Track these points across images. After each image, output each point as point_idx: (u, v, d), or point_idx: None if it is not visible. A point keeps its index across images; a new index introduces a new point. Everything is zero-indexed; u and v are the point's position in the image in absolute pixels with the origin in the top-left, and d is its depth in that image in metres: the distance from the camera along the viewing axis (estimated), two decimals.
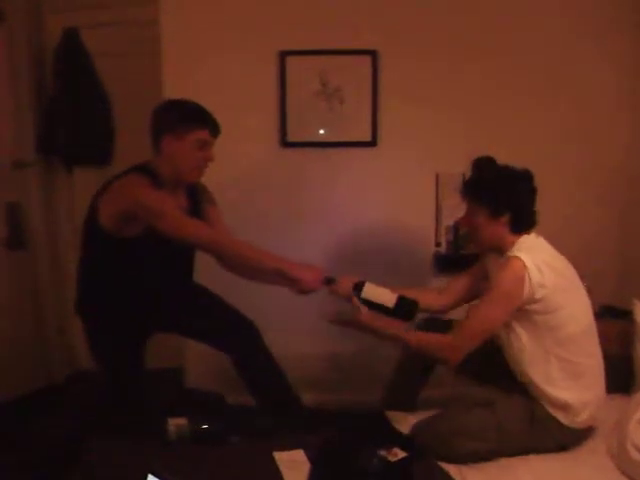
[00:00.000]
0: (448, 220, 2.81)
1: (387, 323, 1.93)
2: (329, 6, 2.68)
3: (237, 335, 2.18)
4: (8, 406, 2.77)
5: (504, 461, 1.78)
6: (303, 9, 2.67)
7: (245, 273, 2.17)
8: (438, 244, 2.86)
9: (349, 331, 2.77)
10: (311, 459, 1.70)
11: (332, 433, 1.78)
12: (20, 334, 3.01)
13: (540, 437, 1.81)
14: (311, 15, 2.67)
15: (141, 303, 2.07)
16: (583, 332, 1.84)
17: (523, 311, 1.78)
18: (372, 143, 2.76)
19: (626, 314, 2.37)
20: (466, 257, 2.70)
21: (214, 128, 2.04)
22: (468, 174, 2.74)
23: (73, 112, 3.02)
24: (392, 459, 1.66)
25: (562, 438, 1.83)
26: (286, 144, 2.74)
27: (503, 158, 1.92)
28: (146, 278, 2.06)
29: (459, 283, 2.13)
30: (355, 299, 1.95)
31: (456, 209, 2.73)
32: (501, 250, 1.86)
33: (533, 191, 1.87)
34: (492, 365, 1.95)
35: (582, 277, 1.91)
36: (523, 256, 1.75)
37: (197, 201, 2.18)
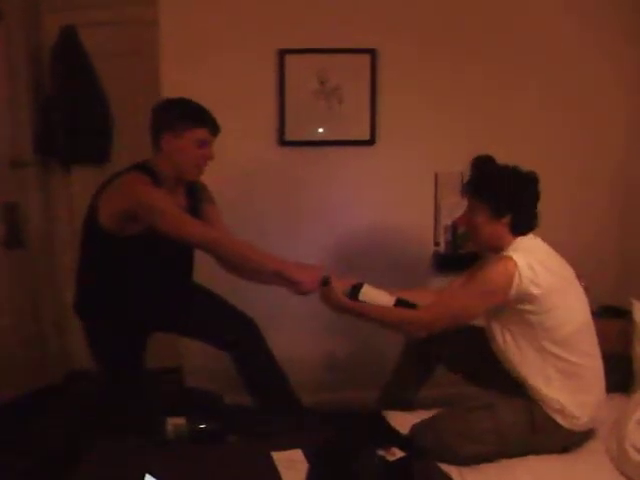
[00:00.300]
0: (447, 219, 2.81)
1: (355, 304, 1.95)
2: (328, 4, 2.67)
3: (237, 333, 2.19)
4: (6, 406, 2.77)
5: (504, 462, 1.77)
6: (302, 8, 2.66)
7: (244, 273, 2.16)
8: (437, 243, 2.86)
9: (347, 330, 2.80)
10: (309, 459, 1.69)
11: (330, 433, 1.78)
12: (18, 334, 3.00)
13: (540, 441, 1.81)
14: (310, 13, 2.67)
15: (140, 302, 2.07)
16: (580, 332, 1.82)
17: (517, 311, 1.77)
18: (371, 142, 2.76)
19: (625, 314, 2.37)
20: (465, 256, 2.71)
21: (214, 127, 2.04)
22: (467, 173, 2.75)
23: (71, 111, 3.01)
24: (391, 459, 1.66)
25: (563, 441, 1.82)
26: (284, 143, 2.73)
27: (502, 157, 1.91)
28: (145, 277, 2.06)
29: (457, 285, 2.12)
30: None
31: (455, 208, 2.75)
32: (498, 250, 1.85)
33: (537, 194, 1.85)
34: (489, 365, 1.94)
35: (580, 277, 1.91)
36: (516, 256, 1.75)
37: (196, 200, 2.18)
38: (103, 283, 2.07)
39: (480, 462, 1.77)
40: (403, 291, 2.02)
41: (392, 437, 1.79)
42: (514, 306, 1.77)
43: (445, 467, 1.72)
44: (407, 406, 2.11)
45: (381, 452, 1.67)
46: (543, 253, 1.84)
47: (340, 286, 1.99)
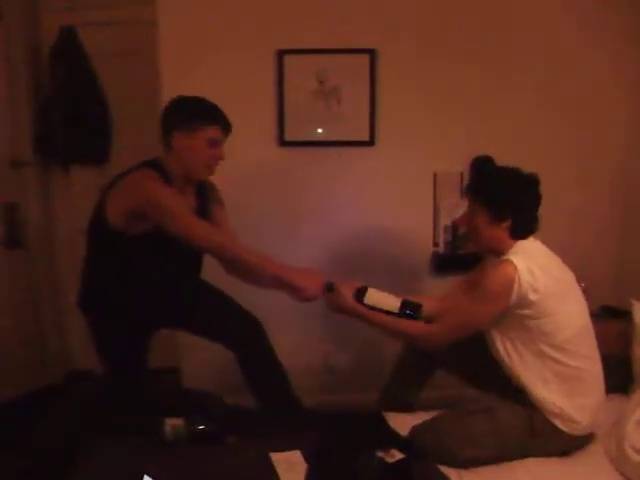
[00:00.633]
0: (446, 220, 2.81)
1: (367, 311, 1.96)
2: (327, 5, 2.67)
3: (241, 332, 2.19)
4: (6, 406, 2.77)
5: (503, 465, 1.77)
6: (301, 8, 2.66)
7: (246, 277, 2.15)
8: (436, 244, 2.85)
9: (347, 332, 2.80)
10: (308, 460, 1.69)
11: (329, 434, 1.77)
12: (18, 334, 3.00)
13: (540, 445, 1.80)
14: (309, 14, 2.67)
15: (146, 301, 2.06)
16: (579, 336, 1.82)
17: (515, 316, 1.77)
18: (370, 142, 2.76)
19: (625, 315, 2.37)
20: (464, 257, 2.71)
21: (225, 126, 2.02)
22: (466, 174, 2.76)
23: (70, 111, 3.01)
24: (390, 460, 1.65)
25: (562, 446, 1.82)
26: (283, 143, 2.73)
27: (501, 158, 1.92)
28: (152, 276, 2.04)
29: (459, 289, 2.11)
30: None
31: (454, 209, 2.75)
32: (499, 253, 1.85)
33: (538, 198, 1.85)
34: (489, 368, 1.94)
35: (579, 278, 1.90)
36: (516, 260, 1.74)
37: (205, 199, 2.16)
38: (109, 281, 2.05)
39: (479, 465, 1.76)
40: (404, 296, 2.02)
41: (391, 439, 1.79)
42: (513, 311, 1.76)
43: (444, 469, 1.72)
44: (407, 407, 2.11)
45: (380, 454, 1.67)
46: (544, 257, 1.83)
47: (347, 291, 1.99)
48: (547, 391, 1.78)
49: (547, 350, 1.77)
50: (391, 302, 1.97)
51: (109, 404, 2.20)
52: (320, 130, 2.75)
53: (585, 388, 1.82)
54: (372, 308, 1.97)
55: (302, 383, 2.37)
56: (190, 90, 2.06)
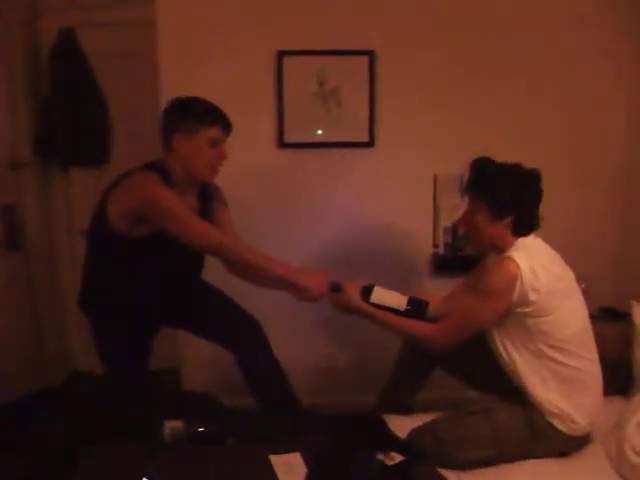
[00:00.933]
0: (446, 221, 2.81)
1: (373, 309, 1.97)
2: (327, 6, 2.67)
3: (241, 333, 2.19)
4: (7, 407, 2.77)
5: (503, 467, 1.76)
6: (300, 9, 2.66)
7: (249, 278, 2.16)
8: (436, 245, 2.85)
9: (347, 333, 2.79)
10: (308, 463, 1.69)
11: (329, 436, 1.77)
12: (17, 335, 3.00)
13: (539, 446, 1.80)
14: (309, 15, 2.66)
15: (148, 300, 2.06)
16: (577, 336, 1.81)
17: (515, 314, 1.77)
18: (370, 144, 2.75)
19: (625, 316, 2.37)
20: (464, 258, 2.71)
21: (226, 125, 2.01)
22: (466, 175, 2.75)
23: (69, 112, 3.01)
24: (389, 463, 1.65)
25: (562, 446, 1.81)
26: (283, 145, 2.73)
27: (501, 159, 1.91)
28: (153, 276, 2.04)
29: (462, 289, 2.10)
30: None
31: (454, 210, 2.74)
32: (500, 251, 1.84)
33: (539, 193, 1.83)
34: (487, 369, 1.94)
35: (579, 279, 1.90)
36: (518, 258, 1.74)
37: (208, 200, 2.16)
38: (110, 282, 2.05)
39: (479, 467, 1.76)
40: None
41: (391, 441, 1.78)
42: (513, 309, 1.76)
43: (444, 472, 1.71)
44: (405, 410, 2.10)
45: (380, 456, 1.66)
46: (545, 255, 1.83)
47: (354, 290, 1.98)
48: (546, 391, 1.78)
49: (546, 350, 1.77)
50: (397, 300, 1.97)
51: (109, 405, 2.20)
52: (320, 131, 2.75)
53: (584, 388, 1.81)
54: (378, 306, 1.97)
55: (302, 384, 2.37)
56: (189, 91, 2.05)
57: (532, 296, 1.72)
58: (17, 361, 2.96)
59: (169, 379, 2.82)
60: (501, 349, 1.84)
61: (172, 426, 1.81)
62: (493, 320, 1.80)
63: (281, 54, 2.66)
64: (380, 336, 2.19)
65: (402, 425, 1.89)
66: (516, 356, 1.81)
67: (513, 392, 1.84)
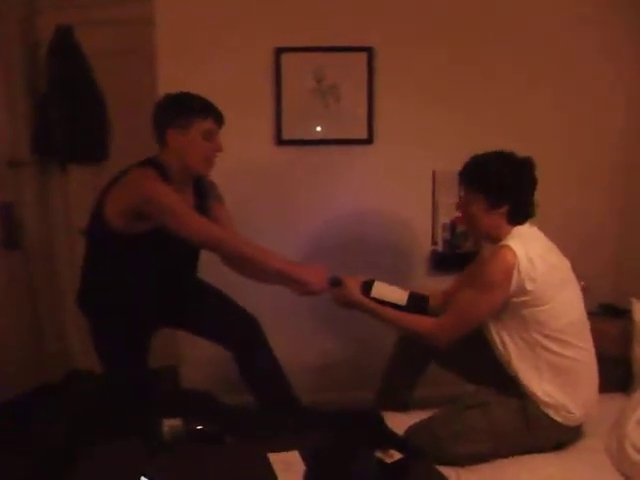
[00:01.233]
0: (445, 218, 2.81)
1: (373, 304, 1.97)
2: (325, 3, 2.66)
3: (240, 333, 2.19)
4: (6, 406, 2.77)
5: (501, 462, 1.76)
6: (298, 6, 2.65)
7: (248, 273, 2.16)
8: (435, 242, 2.85)
9: (346, 330, 2.79)
10: (306, 460, 1.68)
11: (327, 434, 1.77)
12: (16, 334, 3.00)
13: (535, 436, 1.80)
14: (307, 12, 2.66)
15: (146, 299, 2.06)
16: (573, 325, 1.81)
17: (511, 304, 1.76)
18: (368, 141, 2.75)
19: (625, 313, 2.36)
20: (463, 255, 2.70)
21: (217, 116, 2.02)
22: None
23: (67, 110, 3.00)
24: (388, 461, 1.65)
25: (557, 436, 1.82)
26: (281, 142, 2.72)
27: None
28: (152, 274, 2.05)
29: (461, 283, 2.10)
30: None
31: (453, 207, 2.73)
32: (496, 240, 1.83)
33: (534, 181, 1.84)
34: (481, 361, 1.94)
35: (579, 277, 1.89)
36: (514, 245, 1.73)
37: (204, 197, 2.16)
38: (108, 280, 2.05)
39: (476, 461, 1.75)
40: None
41: (389, 439, 1.78)
42: (509, 299, 1.76)
43: (443, 469, 1.71)
44: (402, 406, 2.10)
45: (379, 454, 1.66)
46: (542, 245, 1.83)
47: (354, 285, 1.98)
48: (541, 381, 1.78)
49: (541, 339, 1.77)
50: (398, 295, 1.98)
51: (109, 404, 2.19)
52: (318, 128, 2.75)
53: (579, 379, 1.82)
54: (379, 301, 1.97)
55: (301, 381, 2.37)
56: (187, 88, 2.05)
57: (529, 285, 1.72)
58: (17, 359, 2.96)
59: (168, 377, 2.82)
60: (497, 340, 1.84)
61: (171, 424, 1.80)
62: (491, 311, 1.81)
63: (279, 51, 2.65)
64: (378, 332, 2.19)
65: (399, 422, 1.88)
66: (512, 347, 1.81)
67: (509, 383, 1.84)
